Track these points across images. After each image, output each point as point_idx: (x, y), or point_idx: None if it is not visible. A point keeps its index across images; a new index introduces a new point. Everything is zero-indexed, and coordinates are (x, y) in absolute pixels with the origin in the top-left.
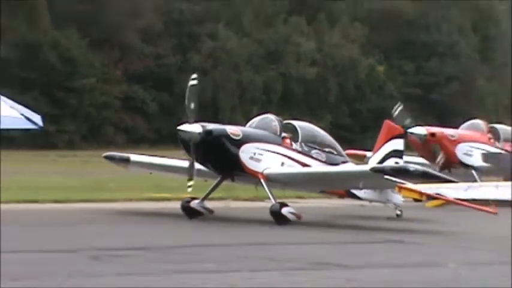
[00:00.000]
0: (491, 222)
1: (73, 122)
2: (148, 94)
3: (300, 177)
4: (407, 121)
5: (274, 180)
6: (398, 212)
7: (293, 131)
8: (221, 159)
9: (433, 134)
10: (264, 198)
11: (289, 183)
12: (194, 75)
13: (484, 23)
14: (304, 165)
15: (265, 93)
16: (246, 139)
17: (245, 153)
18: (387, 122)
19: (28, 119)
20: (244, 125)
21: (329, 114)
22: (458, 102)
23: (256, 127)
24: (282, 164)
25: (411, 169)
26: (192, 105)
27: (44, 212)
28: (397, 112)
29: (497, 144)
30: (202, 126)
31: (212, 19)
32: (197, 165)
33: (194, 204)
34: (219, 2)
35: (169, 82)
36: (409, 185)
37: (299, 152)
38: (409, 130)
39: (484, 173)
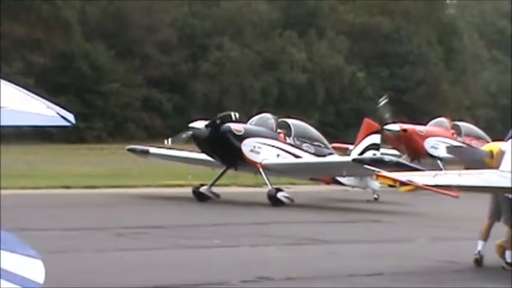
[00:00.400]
0: (455, 204)
1: (100, 120)
2: (164, 96)
3: (293, 166)
4: (387, 115)
5: (271, 169)
6: (376, 196)
7: (287, 127)
8: (226, 151)
9: (405, 130)
10: (262, 184)
11: (284, 172)
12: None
13: (448, 37)
14: (297, 156)
15: (263, 96)
16: (247, 134)
17: (246, 146)
18: (366, 120)
19: (63, 117)
20: (245, 122)
21: (317, 113)
22: (426, 103)
23: (255, 124)
24: (278, 155)
25: (387, 160)
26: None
27: (75, 196)
28: (382, 103)
29: (459, 138)
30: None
31: (219, 33)
32: (206, 157)
33: (203, 189)
34: (224, 19)
35: (182, 86)
36: (385, 173)
37: (292, 146)
38: (385, 127)
39: (448, 163)
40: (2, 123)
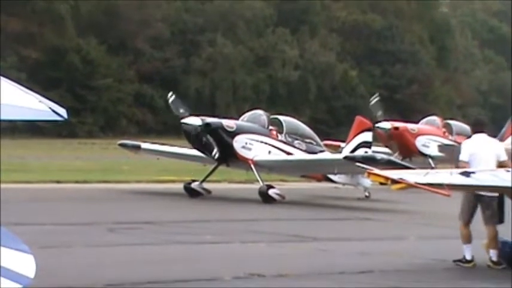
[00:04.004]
0: (446, 203)
1: (92, 115)
2: (156, 92)
3: (284, 163)
4: (379, 112)
5: (262, 166)
6: (367, 194)
7: (279, 124)
8: (218, 147)
9: (396, 128)
10: (254, 181)
11: (275, 169)
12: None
13: (440, 35)
14: (288, 153)
15: (255, 92)
16: (239, 131)
17: (238, 142)
18: (358, 118)
19: (54, 111)
20: (237, 119)
21: (309, 110)
22: (417, 101)
23: (247, 121)
24: (269, 152)
25: (378, 157)
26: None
27: (66, 191)
28: (373, 102)
29: (450, 137)
30: (202, 119)
31: (211, 29)
32: (197, 153)
33: (195, 185)
34: (217, 15)
35: (174, 82)
36: (376, 170)
37: (283, 142)
38: (377, 125)
39: (439, 161)
40: None
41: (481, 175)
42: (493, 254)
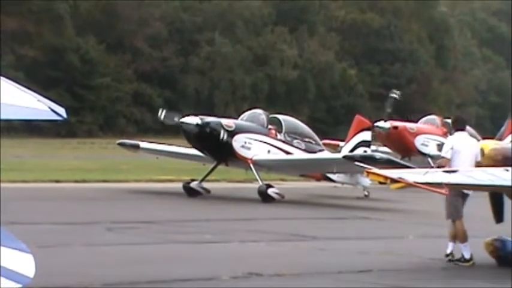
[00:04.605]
0: (444, 202)
1: (91, 114)
2: (154, 91)
3: (284, 163)
4: (389, 109)
5: (261, 165)
6: (366, 193)
7: (278, 123)
8: (217, 147)
9: (395, 127)
10: (253, 180)
11: (274, 168)
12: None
13: (439, 34)
14: (287, 152)
15: (254, 91)
16: (238, 130)
17: (237, 142)
18: (357, 117)
19: (53, 111)
20: (236, 118)
21: (308, 109)
22: (416, 100)
23: (246, 120)
24: (268, 151)
25: (377, 157)
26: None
27: (65, 191)
28: (392, 96)
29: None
30: (201, 119)
31: (210, 28)
32: (196, 152)
33: (194, 184)
34: (215, 14)
35: (172, 81)
36: (376, 170)
37: (283, 142)
38: (375, 124)
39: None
40: None
41: (479, 174)
42: (451, 246)
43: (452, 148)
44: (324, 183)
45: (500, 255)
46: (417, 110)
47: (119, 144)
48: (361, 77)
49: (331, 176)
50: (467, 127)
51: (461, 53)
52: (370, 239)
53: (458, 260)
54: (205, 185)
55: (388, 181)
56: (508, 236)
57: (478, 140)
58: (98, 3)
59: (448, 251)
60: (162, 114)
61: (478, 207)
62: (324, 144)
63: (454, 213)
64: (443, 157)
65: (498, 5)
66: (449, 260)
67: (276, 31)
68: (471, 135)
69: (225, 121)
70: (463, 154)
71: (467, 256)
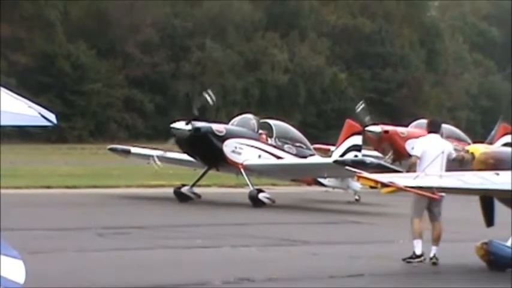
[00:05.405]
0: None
1: (82, 119)
2: (146, 96)
3: (274, 167)
4: (367, 118)
5: (252, 170)
6: (357, 197)
7: (268, 128)
8: (208, 152)
9: (386, 132)
10: (244, 185)
11: (265, 173)
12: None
13: (430, 39)
14: (278, 157)
15: (245, 96)
16: (229, 135)
17: (228, 147)
18: (348, 121)
19: (44, 117)
20: (227, 123)
21: (299, 114)
22: (407, 104)
23: (237, 125)
24: (259, 156)
25: (368, 161)
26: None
27: (56, 196)
28: (359, 109)
29: None
30: (192, 124)
31: (201, 33)
32: (187, 157)
33: (184, 190)
34: (206, 20)
35: (164, 86)
36: (366, 174)
37: (273, 146)
38: (366, 128)
39: None
40: None
41: (470, 178)
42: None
43: (423, 147)
44: (315, 188)
45: (491, 259)
46: (408, 114)
47: (110, 149)
48: (352, 82)
49: (322, 180)
50: (458, 131)
51: (452, 57)
52: (361, 243)
53: (411, 258)
54: (196, 190)
55: (379, 185)
56: (498, 239)
57: (469, 144)
58: (89, 9)
59: (431, 254)
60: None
61: (472, 211)
62: (315, 148)
63: (415, 212)
64: (413, 155)
65: (488, 8)
66: (433, 263)
67: (267, 36)
68: (461, 139)
69: (215, 126)
70: (432, 154)
71: (418, 252)
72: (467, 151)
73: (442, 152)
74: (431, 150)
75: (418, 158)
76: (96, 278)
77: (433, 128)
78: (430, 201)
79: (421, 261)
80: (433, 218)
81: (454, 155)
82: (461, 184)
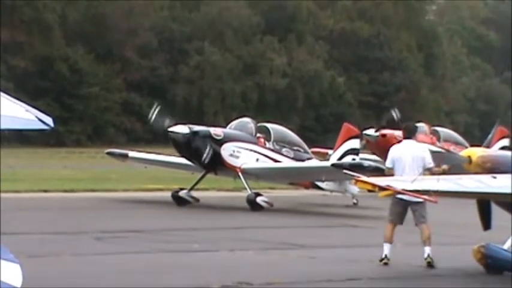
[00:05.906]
0: (433, 209)
1: (80, 123)
2: (144, 100)
3: (272, 171)
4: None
5: (250, 174)
6: (355, 201)
7: (266, 132)
8: (207, 153)
9: (384, 135)
10: (242, 189)
11: (263, 177)
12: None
13: (428, 43)
14: (276, 161)
15: (243, 100)
16: (227, 139)
17: (226, 150)
18: (345, 125)
19: (41, 120)
20: (225, 127)
21: (297, 117)
22: (405, 108)
23: (235, 128)
24: (257, 160)
25: (366, 165)
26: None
27: (54, 200)
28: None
29: (438, 144)
30: (190, 127)
31: (199, 37)
32: (185, 161)
33: (182, 193)
34: (205, 24)
35: (162, 90)
36: (364, 178)
37: (271, 150)
38: (364, 132)
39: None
40: None
41: (467, 182)
42: (429, 251)
43: (393, 157)
44: (313, 191)
45: (488, 262)
46: (406, 118)
47: (108, 153)
48: (350, 86)
49: (320, 184)
50: (456, 135)
51: (450, 61)
52: (359, 246)
53: (382, 259)
54: (194, 193)
55: (377, 189)
56: (496, 243)
57: (466, 147)
58: (87, 13)
59: (425, 255)
60: (152, 114)
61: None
62: (313, 152)
63: (389, 215)
64: (386, 167)
65: (486, 13)
66: (428, 263)
67: (265, 40)
68: (459, 142)
69: (213, 130)
70: (405, 161)
71: (384, 255)
72: (446, 168)
73: (413, 158)
74: (403, 157)
75: (390, 169)
76: (94, 282)
77: (408, 134)
78: (408, 205)
79: (386, 263)
80: (416, 221)
81: (431, 165)
82: (459, 188)
